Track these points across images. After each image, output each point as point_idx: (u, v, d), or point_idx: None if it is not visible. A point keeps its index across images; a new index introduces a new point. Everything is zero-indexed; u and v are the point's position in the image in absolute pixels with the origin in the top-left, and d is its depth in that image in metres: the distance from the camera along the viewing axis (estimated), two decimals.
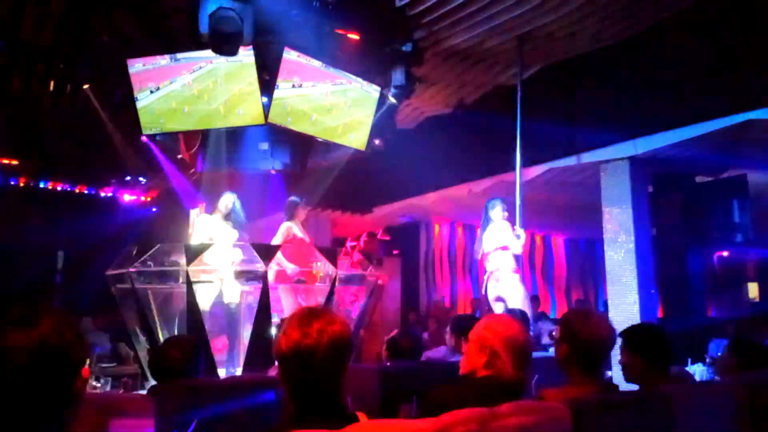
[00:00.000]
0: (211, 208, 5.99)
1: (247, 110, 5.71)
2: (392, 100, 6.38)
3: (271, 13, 5.20)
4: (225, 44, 4.94)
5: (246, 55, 5.34)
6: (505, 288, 5.54)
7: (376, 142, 6.72)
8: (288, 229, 5.66)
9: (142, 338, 5.16)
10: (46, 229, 9.35)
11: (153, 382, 2.86)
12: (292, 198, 5.98)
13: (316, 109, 5.93)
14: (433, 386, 2.01)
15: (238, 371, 4.91)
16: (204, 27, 4.68)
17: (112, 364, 6.52)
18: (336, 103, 6.03)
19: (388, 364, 3.43)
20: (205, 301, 5.14)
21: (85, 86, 5.96)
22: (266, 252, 5.14)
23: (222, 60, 5.44)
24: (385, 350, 3.54)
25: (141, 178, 9.71)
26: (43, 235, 9.26)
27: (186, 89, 5.69)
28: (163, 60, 5.62)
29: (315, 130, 6.06)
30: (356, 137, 6.35)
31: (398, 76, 6.05)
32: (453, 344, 3.80)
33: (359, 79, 6.08)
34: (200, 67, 5.62)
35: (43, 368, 1.19)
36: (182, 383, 2.49)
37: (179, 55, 5.60)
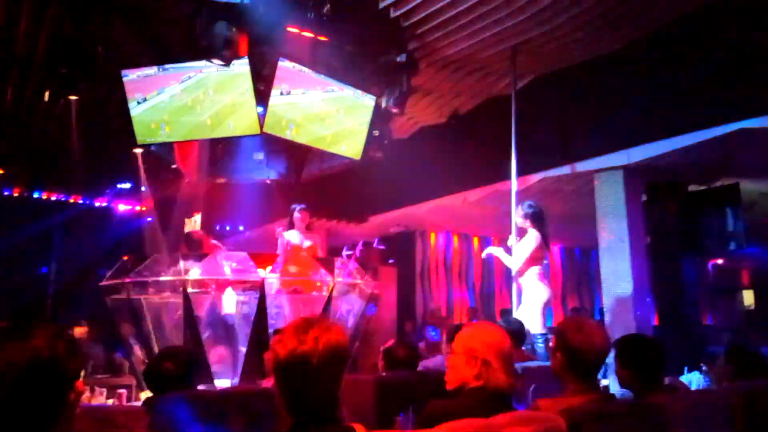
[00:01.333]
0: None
1: (241, 120, 5.66)
2: (387, 110, 6.40)
3: (266, 23, 5.22)
4: (222, 53, 4.96)
5: (239, 64, 5.32)
6: (524, 295, 5.47)
7: (378, 154, 6.68)
8: (288, 237, 5.63)
9: (137, 349, 5.13)
10: (39, 240, 9.32)
11: (148, 393, 2.85)
12: (292, 206, 5.97)
13: (306, 117, 5.84)
14: (429, 398, 2.01)
15: (235, 381, 4.89)
16: (202, 37, 4.71)
17: (106, 375, 6.49)
18: (328, 111, 5.95)
19: (384, 374, 3.42)
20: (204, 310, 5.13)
21: (72, 98, 5.79)
22: (263, 261, 5.12)
23: (212, 70, 5.39)
24: (381, 360, 3.54)
25: (128, 185, 9.68)
26: (36, 245, 9.23)
27: (176, 99, 5.60)
28: (151, 70, 5.54)
29: (306, 138, 5.98)
30: (350, 146, 6.31)
31: (393, 87, 6.07)
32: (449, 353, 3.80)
33: (351, 87, 6.06)
34: (189, 77, 5.53)
35: (37, 381, 1.19)
36: (177, 395, 2.48)
37: (168, 65, 5.52)
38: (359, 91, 6.10)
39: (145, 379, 2.97)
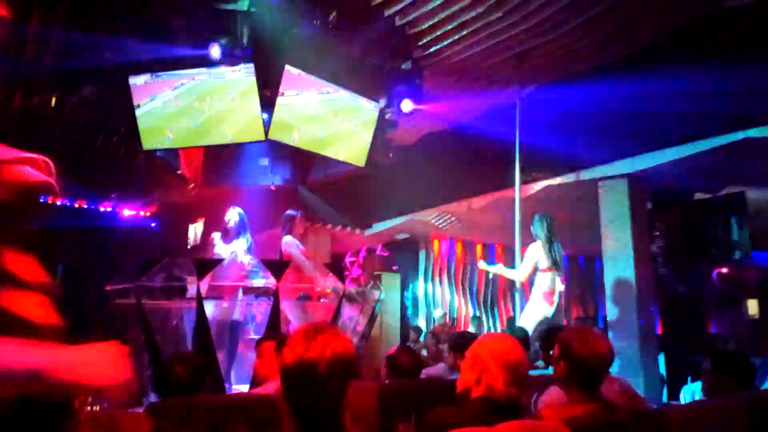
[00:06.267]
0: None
1: (244, 127, 5.64)
2: (392, 117, 6.41)
3: (273, 30, 5.25)
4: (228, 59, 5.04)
5: (241, 71, 5.33)
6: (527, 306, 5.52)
7: (382, 161, 6.65)
8: (296, 243, 5.54)
9: (144, 354, 5.12)
10: (45, 244, 9.35)
11: (152, 399, 2.85)
12: (290, 211, 5.84)
13: (300, 118, 5.77)
14: (431, 406, 2.01)
15: (245, 388, 4.86)
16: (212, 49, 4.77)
17: None
18: (323, 113, 5.89)
19: (387, 381, 3.41)
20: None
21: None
22: (277, 268, 5.08)
23: (204, 77, 5.41)
24: (384, 367, 3.53)
25: (140, 193, 9.71)
26: (42, 249, 9.25)
27: (170, 105, 5.60)
28: (145, 77, 5.56)
29: (300, 141, 5.91)
30: (354, 152, 6.27)
31: (398, 94, 6.08)
32: (452, 361, 3.80)
33: (357, 94, 6.04)
34: (182, 84, 5.55)
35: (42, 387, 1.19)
36: (180, 401, 2.48)
37: (161, 72, 5.54)
38: (364, 98, 6.10)
39: (154, 383, 2.97)
